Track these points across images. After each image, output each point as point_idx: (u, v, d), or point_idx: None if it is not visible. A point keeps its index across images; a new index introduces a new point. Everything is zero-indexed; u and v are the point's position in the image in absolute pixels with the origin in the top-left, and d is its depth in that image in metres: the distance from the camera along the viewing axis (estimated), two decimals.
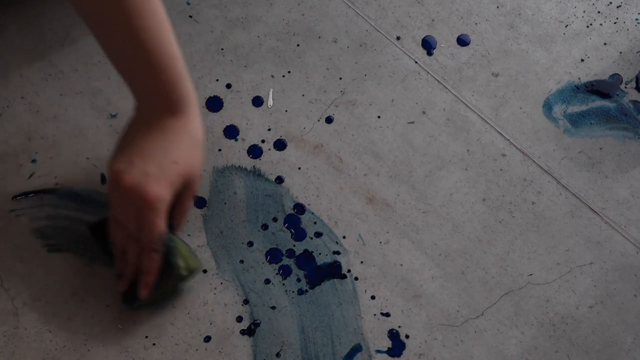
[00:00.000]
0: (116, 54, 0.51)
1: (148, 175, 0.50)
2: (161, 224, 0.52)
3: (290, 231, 0.63)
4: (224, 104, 0.68)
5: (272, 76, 0.69)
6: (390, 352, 0.59)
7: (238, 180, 0.64)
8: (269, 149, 0.66)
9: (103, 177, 0.63)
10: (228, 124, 0.67)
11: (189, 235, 0.61)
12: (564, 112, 0.68)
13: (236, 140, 0.66)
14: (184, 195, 0.54)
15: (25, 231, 0.61)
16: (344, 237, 0.63)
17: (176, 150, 0.52)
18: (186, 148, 0.52)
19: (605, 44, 0.71)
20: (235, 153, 0.65)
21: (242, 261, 0.61)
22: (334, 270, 0.62)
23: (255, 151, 0.66)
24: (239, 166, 0.65)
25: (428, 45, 0.71)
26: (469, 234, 0.62)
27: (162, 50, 0.49)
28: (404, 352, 0.58)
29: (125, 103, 0.66)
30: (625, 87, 0.69)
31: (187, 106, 0.52)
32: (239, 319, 0.59)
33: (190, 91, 0.52)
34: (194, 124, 0.53)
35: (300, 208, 0.64)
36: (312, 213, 0.63)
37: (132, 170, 0.51)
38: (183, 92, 0.51)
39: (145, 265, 0.53)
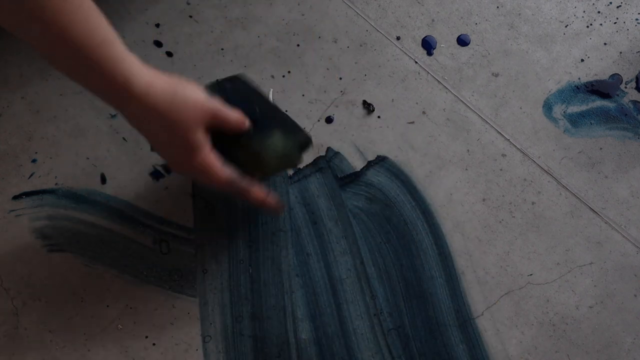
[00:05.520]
0: (51, 58, 0.49)
1: (174, 162, 0.54)
2: (218, 171, 0.54)
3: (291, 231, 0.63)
4: None
5: (272, 76, 0.69)
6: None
7: None
8: None
9: (103, 177, 0.63)
10: None
11: (188, 235, 0.62)
12: (564, 112, 0.68)
13: None
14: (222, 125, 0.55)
15: (25, 231, 0.61)
16: (345, 237, 0.63)
17: (158, 131, 0.53)
18: (163, 118, 0.52)
19: (605, 44, 0.71)
20: None
21: (242, 261, 0.61)
22: None
23: None
24: None
25: (428, 45, 0.71)
26: (469, 234, 0.62)
27: (91, 44, 0.47)
28: None
29: None
30: (625, 87, 0.69)
31: (136, 85, 0.50)
32: (239, 319, 0.59)
33: (133, 67, 0.50)
34: (149, 91, 0.51)
35: None
36: (313, 213, 0.63)
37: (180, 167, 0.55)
38: (125, 74, 0.50)
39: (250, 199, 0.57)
